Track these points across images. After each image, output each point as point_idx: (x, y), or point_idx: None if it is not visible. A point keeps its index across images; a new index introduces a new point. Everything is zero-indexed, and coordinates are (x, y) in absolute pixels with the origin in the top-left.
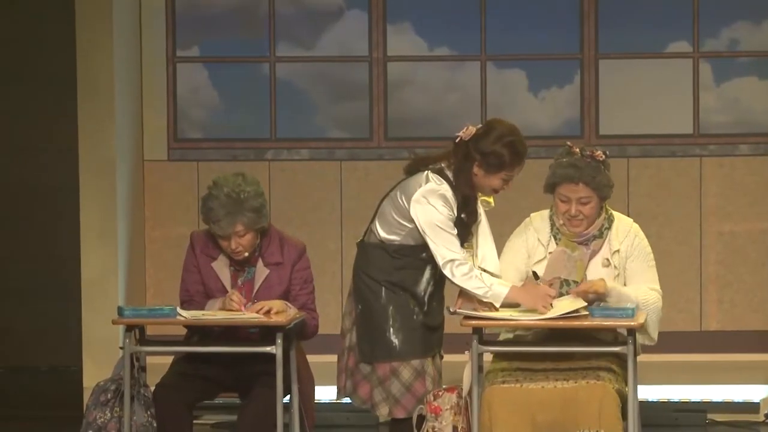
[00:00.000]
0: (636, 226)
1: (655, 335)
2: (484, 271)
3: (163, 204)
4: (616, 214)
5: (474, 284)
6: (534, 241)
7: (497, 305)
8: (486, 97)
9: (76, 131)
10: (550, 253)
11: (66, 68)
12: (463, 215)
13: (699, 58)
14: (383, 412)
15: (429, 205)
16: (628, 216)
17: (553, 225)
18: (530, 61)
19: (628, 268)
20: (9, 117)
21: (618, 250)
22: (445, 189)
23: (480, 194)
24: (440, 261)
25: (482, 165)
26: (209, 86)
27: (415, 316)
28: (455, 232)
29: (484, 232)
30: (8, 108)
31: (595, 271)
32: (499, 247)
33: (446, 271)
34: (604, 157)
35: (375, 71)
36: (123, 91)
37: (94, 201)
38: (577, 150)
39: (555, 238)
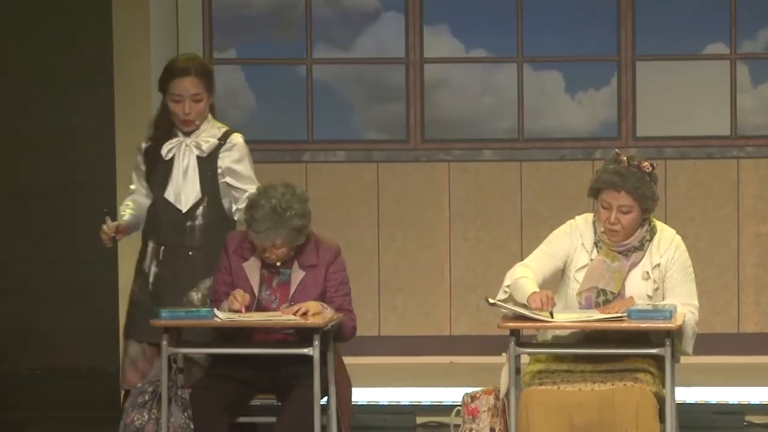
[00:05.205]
0: (678, 238)
1: (689, 349)
2: None
3: None
4: (659, 225)
5: None
6: (579, 244)
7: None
8: (522, 98)
9: (113, 133)
10: (591, 260)
11: (103, 71)
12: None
13: (736, 59)
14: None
15: None
16: (666, 217)
17: (595, 232)
18: (567, 63)
19: (667, 280)
20: (45, 118)
21: (659, 264)
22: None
23: None
24: None
25: (161, 90)
26: (246, 88)
27: (134, 297)
28: (134, 176)
29: None
30: (44, 109)
31: (634, 284)
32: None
33: None
34: (651, 169)
35: (411, 73)
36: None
37: None
38: (625, 158)
39: (597, 246)
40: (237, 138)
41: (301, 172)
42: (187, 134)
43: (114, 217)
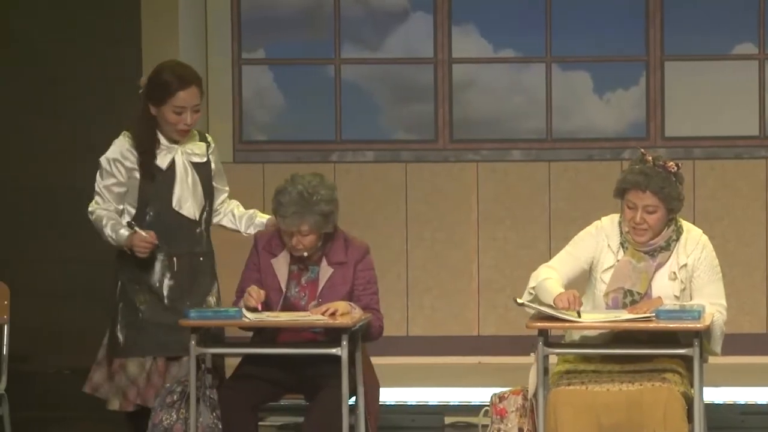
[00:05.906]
0: (705, 238)
1: (718, 349)
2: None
3: None
4: (686, 225)
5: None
6: (604, 246)
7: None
8: (551, 98)
9: None
10: (618, 261)
11: (132, 71)
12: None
13: (765, 59)
14: (114, 406)
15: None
16: (694, 217)
17: (621, 232)
18: (595, 63)
19: (694, 280)
20: (71, 121)
21: (685, 264)
22: (111, 151)
23: None
24: None
25: (153, 101)
26: (274, 88)
27: (140, 314)
28: (107, 194)
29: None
30: (70, 112)
31: (661, 284)
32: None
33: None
34: (676, 168)
35: (440, 73)
36: None
37: None
38: (650, 158)
39: (623, 246)
40: (210, 138)
41: (330, 172)
42: (175, 142)
43: None
